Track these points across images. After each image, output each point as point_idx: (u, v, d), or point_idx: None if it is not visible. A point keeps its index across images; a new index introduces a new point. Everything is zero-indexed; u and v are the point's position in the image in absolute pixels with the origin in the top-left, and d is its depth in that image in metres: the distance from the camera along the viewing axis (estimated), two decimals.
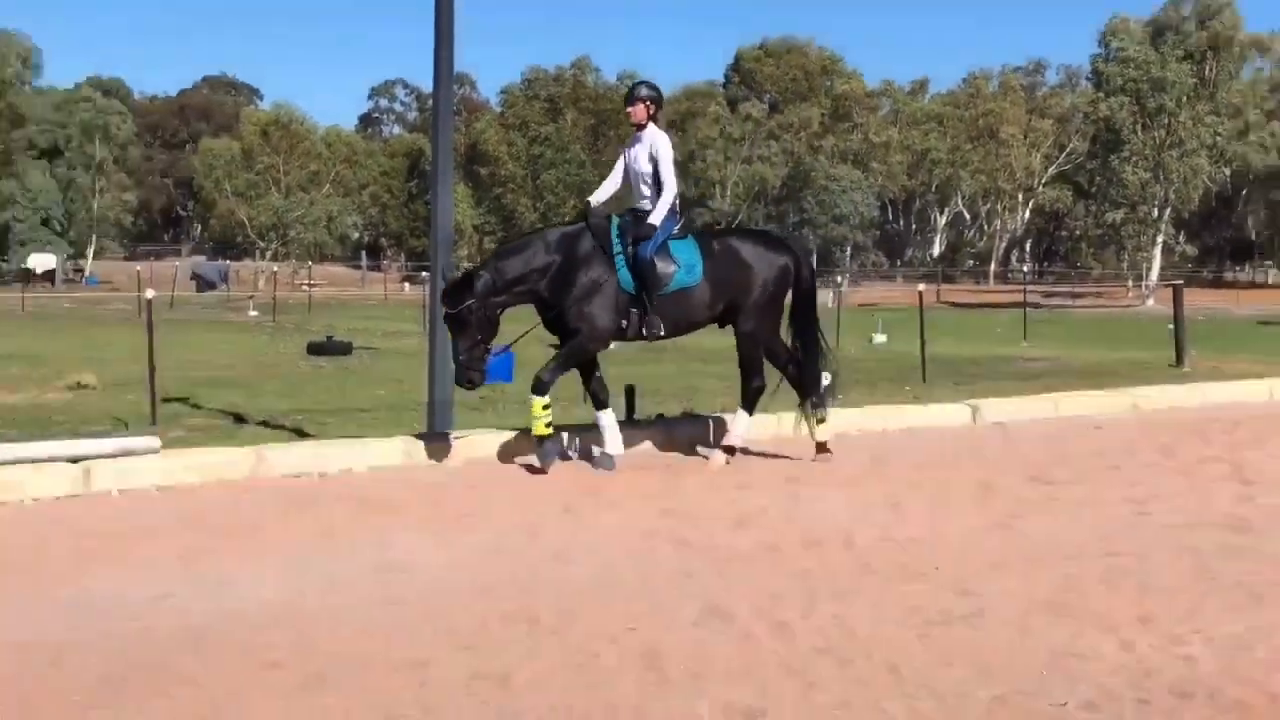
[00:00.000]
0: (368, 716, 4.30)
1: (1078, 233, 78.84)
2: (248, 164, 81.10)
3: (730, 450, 9.65)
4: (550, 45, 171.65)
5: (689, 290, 9.34)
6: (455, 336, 9.05)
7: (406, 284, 65.34)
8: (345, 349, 21.68)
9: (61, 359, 18.21)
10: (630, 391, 10.95)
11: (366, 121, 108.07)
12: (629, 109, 9.65)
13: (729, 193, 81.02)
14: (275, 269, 59.85)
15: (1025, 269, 75.01)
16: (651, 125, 9.54)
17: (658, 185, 9.39)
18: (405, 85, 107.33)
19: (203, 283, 67.51)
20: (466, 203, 77.64)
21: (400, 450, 9.70)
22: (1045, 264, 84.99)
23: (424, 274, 43.86)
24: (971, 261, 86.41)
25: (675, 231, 9.45)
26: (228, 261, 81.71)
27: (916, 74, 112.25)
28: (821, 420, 9.76)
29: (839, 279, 54.71)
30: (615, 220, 9.43)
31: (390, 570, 6.52)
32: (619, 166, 9.79)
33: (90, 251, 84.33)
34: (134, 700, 4.43)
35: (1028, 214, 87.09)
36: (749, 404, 9.78)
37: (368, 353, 22.11)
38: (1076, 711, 4.37)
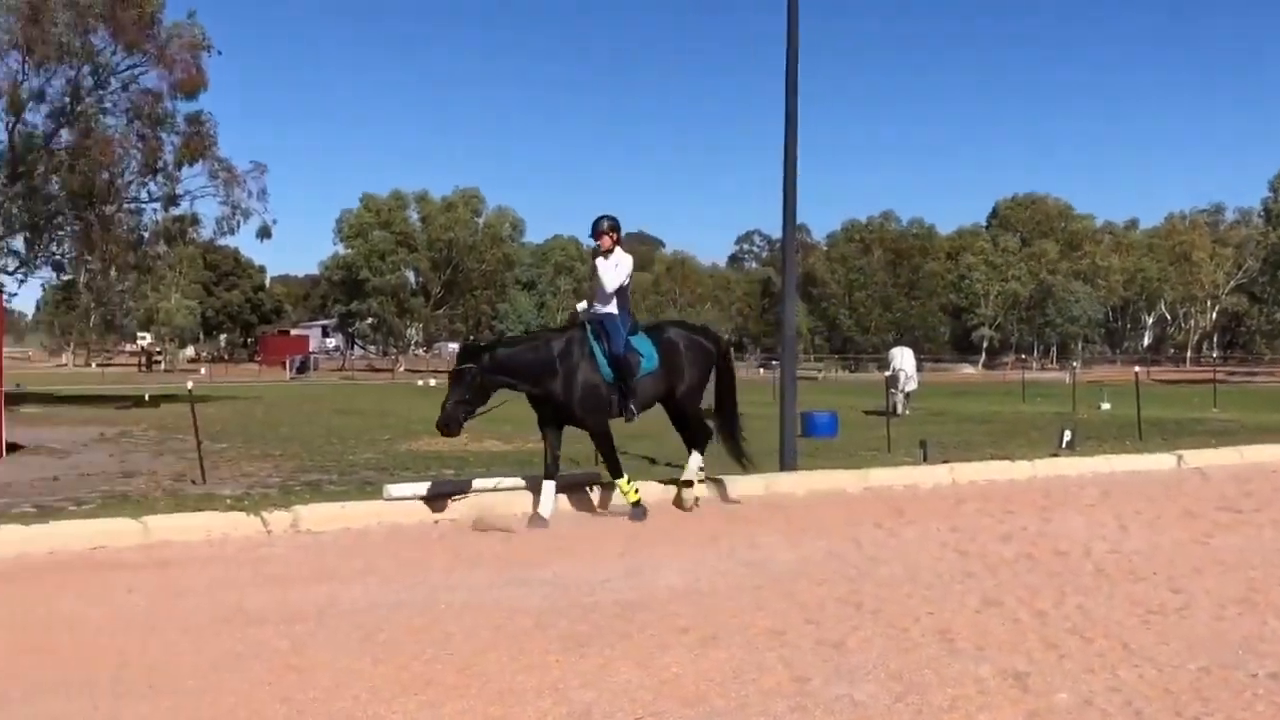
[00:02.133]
0: (748, 665, 6.07)
1: (1253, 328, 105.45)
2: (656, 290, 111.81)
3: (689, 484, 11.75)
4: (863, 200, 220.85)
5: (650, 374, 11.38)
6: (450, 387, 10.77)
7: (761, 369, 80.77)
8: None
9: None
10: (923, 443, 15.96)
11: (733, 260, 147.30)
12: (598, 240, 11.39)
13: (991, 303, 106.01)
14: None
15: (1214, 355, 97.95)
16: (618, 248, 11.42)
17: (619, 294, 11.30)
18: (759, 234, 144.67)
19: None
20: (802, 314, 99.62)
21: (761, 483, 12.97)
22: (1229, 352, 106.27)
23: (773, 362, 57.36)
24: (1172, 350, 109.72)
25: (629, 328, 11.36)
26: None
27: (1129, 214, 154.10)
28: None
29: (1074, 363, 74.64)
30: (588, 327, 11.24)
31: (755, 564, 8.84)
32: (597, 280, 11.41)
33: None
34: (593, 652, 6.48)
35: (1214, 315, 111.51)
36: (700, 446, 11.82)
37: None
38: (1265, 680, 5.67)
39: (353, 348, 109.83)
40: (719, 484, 12.44)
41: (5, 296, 20.63)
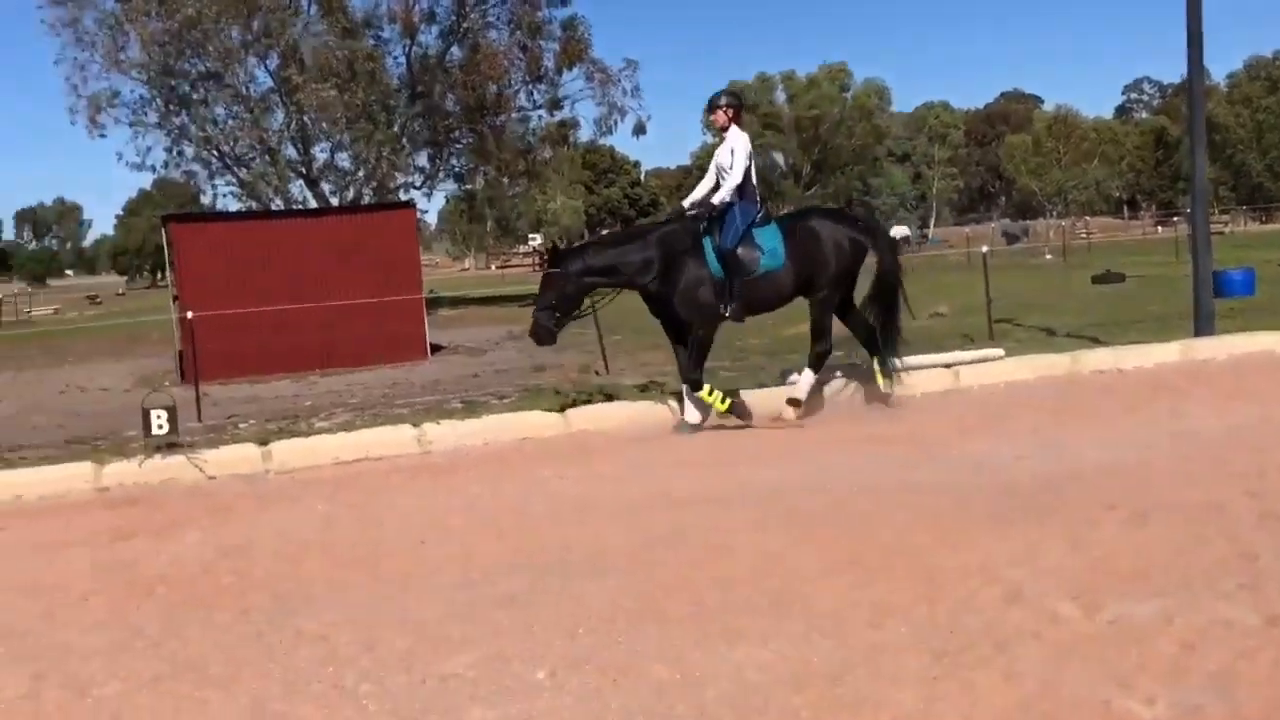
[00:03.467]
0: (1187, 541, 5.76)
1: None
2: (1037, 151, 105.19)
3: (796, 403, 10.28)
4: (1270, 34, 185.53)
5: (774, 272, 10.12)
6: (541, 292, 10.14)
7: (1159, 227, 77.00)
8: (1120, 278, 26.22)
9: (922, 296, 22.10)
10: None
11: (1120, 111, 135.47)
12: (710, 116, 10.41)
13: None
14: (1061, 224, 77.55)
15: None
16: (733, 127, 10.23)
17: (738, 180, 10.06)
18: (1149, 80, 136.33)
19: (1009, 238, 79.61)
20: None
21: (1177, 350, 12.23)
22: None
23: (1175, 219, 55.73)
24: None
25: (758, 219, 10.18)
26: (1026, 221, 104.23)
27: None
28: (887, 377, 10.55)
29: None
30: (701, 220, 10.18)
31: (1182, 435, 8.35)
32: (710, 167, 10.45)
33: (931, 222, 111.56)
34: (1018, 531, 6.36)
35: None
36: (814, 365, 10.42)
37: (1136, 280, 25.63)
38: None
39: None
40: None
41: (417, 212, 22.25)
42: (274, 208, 32.86)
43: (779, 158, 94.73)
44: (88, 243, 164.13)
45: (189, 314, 14.41)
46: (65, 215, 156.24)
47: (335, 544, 7.05)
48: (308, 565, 6.60)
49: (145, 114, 34.43)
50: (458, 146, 37.38)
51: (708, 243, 10.01)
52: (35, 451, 10.69)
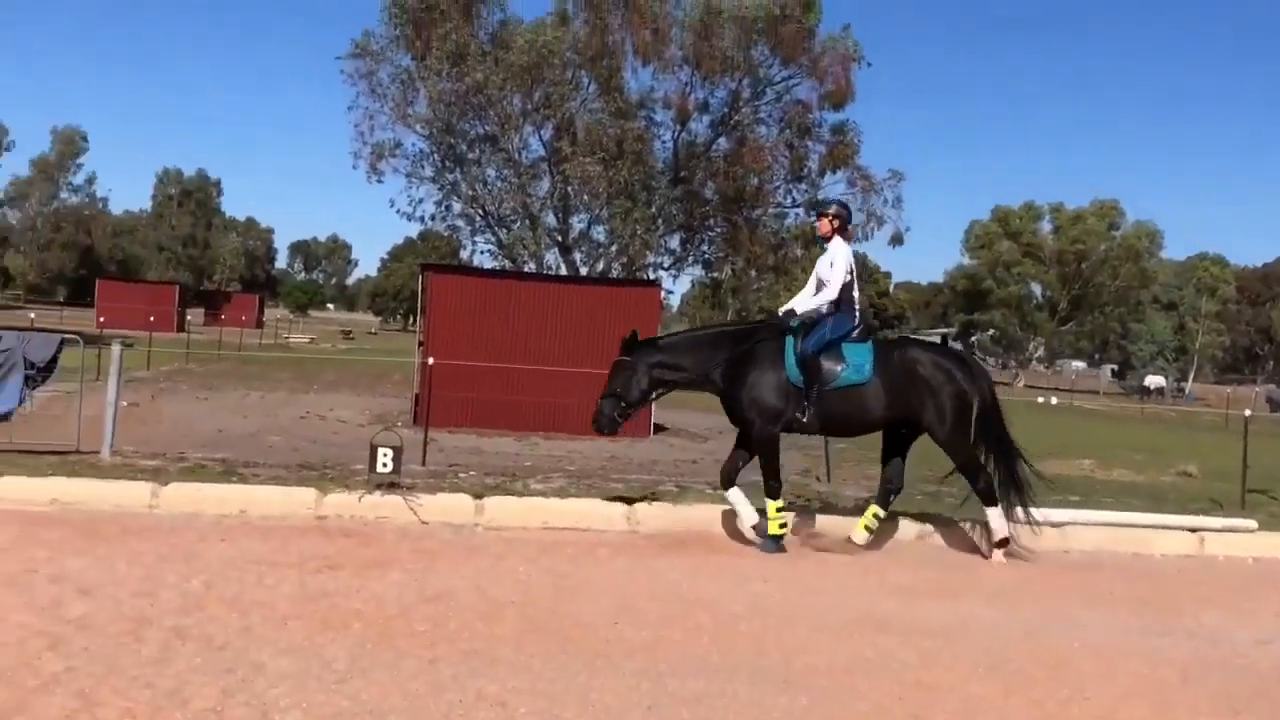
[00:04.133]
0: None
1: None
2: None
3: (1003, 543, 9.77)
4: None
5: (856, 388, 9.54)
6: (609, 380, 9.78)
7: None
8: None
9: (1170, 452, 20.89)
10: None
11: None
12: (817, 222, 10.21)
13: None
14: None
15: None
16: (837, 237, 9.91)
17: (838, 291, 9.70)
18: None
19: (1274, 405, 72.54)
20: None
21: None
22: None
23: None
24: None
25: (855, 335, 9.76)
26: None
27: None
28: (870, 530, 9.73)
29: None
30: (793, 324, 9.75)
31: None
32: (813, 275, 10.15)
33: (1190, 376, 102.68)
34: (1242, 718, 5.84)
35: None
36: (989, 499, 9.76)
37: None
38: None
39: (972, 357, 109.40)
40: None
41: (662, 292, 22.49)
42: (526, 270, 33.87)
43: (1036, 289, 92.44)
44: (351, 280, 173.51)
45: (430, 360, 14.86)
46: (335, 252, 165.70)
47: (531, 608, 7.00)
48: (501, 626, 6.55)
49: (422, 167, 36.08)
50: (711, 233, 37.72)
51: (789, 345, 9.67)
52: (267, 471, 11.13)
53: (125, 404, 11.90)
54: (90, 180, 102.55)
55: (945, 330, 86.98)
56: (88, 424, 11.73)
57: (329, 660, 5.66)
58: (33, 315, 40.27)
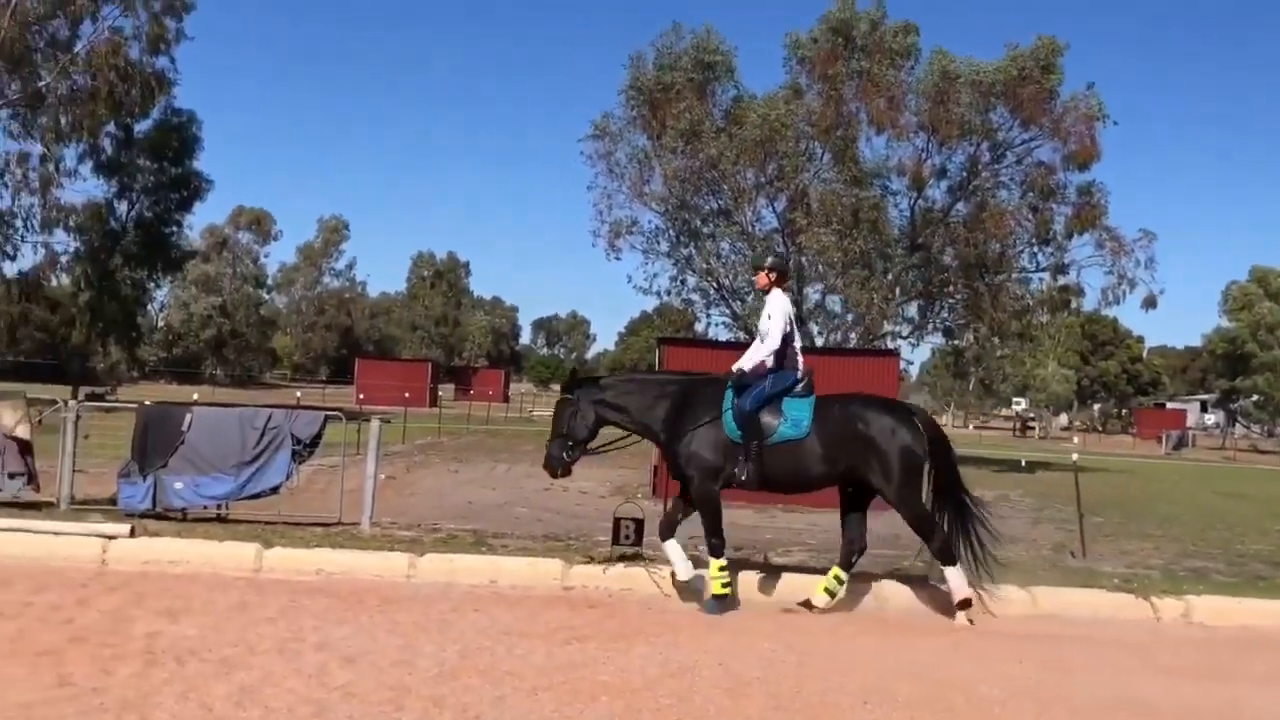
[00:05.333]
0: None
1: None
2: None
3: (965, 604, 9.35)
4: None
5: (795, 444, 9.29)
6: (554, 419, 9.79)
7: None
8: None
9: None
10: None
11: None
12: (754, 277, 10.14)
13: None
14: None
15: None
16: (775, 290, 9.74)
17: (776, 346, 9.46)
18: None
19: None
20: None
21: None
22: None
23: None
24: None
25: (799, 390, 9.52)
26: None
27: None
28: (831, 594, 9.42)
29: None
30: (730, 379, 9.50)
31: None
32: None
33: None
34: None
35: None
36: (945, 558, 9.37)
37: None
38: None
39: (1234, 426, 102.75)
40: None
41: (901, 361, 22.13)
42: None
43: None
44: (590, 354, 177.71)
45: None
46: (575, 327, 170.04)
47: (776, 685, 6.92)
48: (746, 703, 6.50)
49: (658, 243, 36.87)
50: (950, 300, 37.04)
51: (729, 401, 9.44)
52: (515, 542, 11.44)
53: (383, 477, 12.47)
54: (350, 265, 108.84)
55: (1204, 397, 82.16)
56: (348, 497, 12.34)
57: None
58: (299, 394, 42.77)
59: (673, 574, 9.62)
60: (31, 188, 40.68)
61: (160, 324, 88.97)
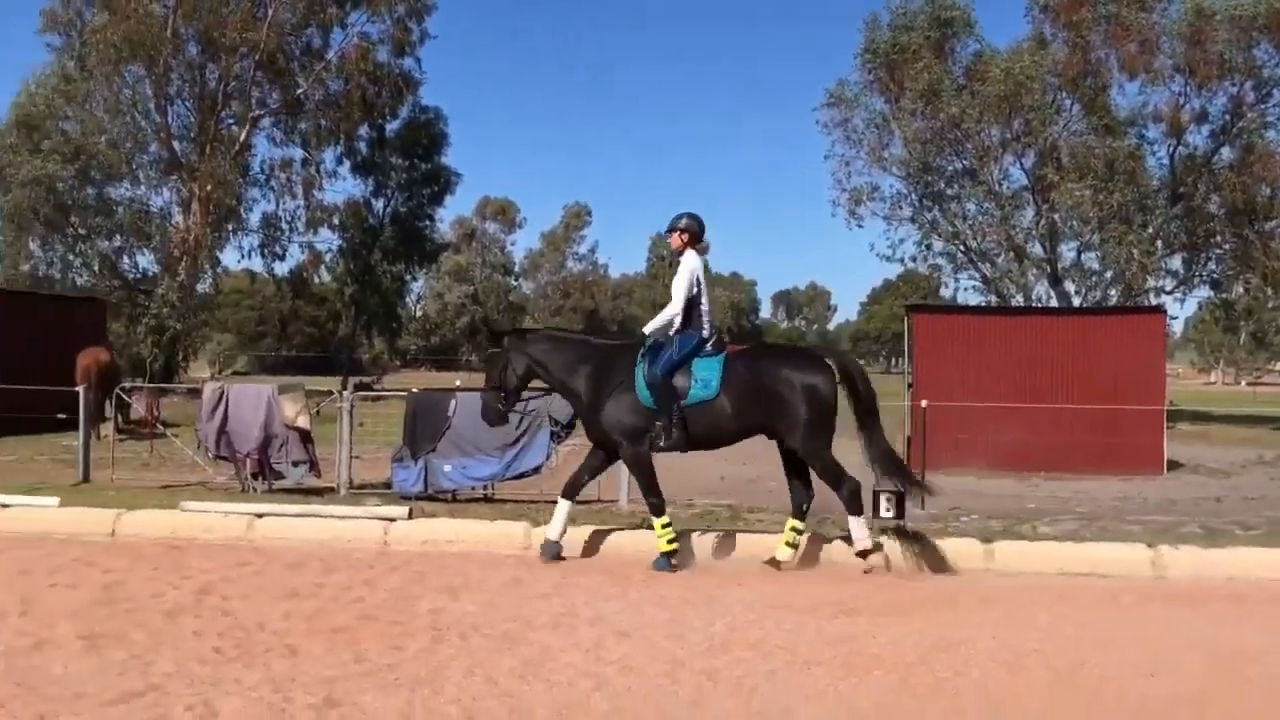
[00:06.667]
0: None
1: None
2: None
3: (865, 554, 9.43)
4: None
5: (706, 404, 9.43)
6: (485, 372, 10.29)
7: None
8: None
9: None
10: None
11: None
12: (667, 238, 10.10)
13: None
14: None
15: None
16: (688, 251, 9.79)
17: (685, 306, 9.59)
18: None
19: None
20: None
21: None
22: None
23: None
24: None
25: (708, 350, 9.61)
26: None
27: None
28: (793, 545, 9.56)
29: None
30: (647, 342, 9.67)
31: None
32: None
33: None
34: None
35: None
36: (853, 508, 9.41)
37: None
38: None
39: None
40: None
41: (1166, 318, 21.03)
42: (1013, 304, 32.90)
43: None
44: (831, 326, 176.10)
45: (923, 402, 14.69)
46: (815, 299, 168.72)
47: (1055, 658, 6.71)
48: (1025, 676, 6.34)
49: (900, 208, 36.20)
50: (1217, 251, 34.96)
51: (640, 370, 9.57)
52: (770, 516, 11.45)
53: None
54: (593, 249, 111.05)
55: None
56: (605, 476, 12.61)
57: (855, 706, 5.71)
58: None
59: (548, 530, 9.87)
60: (294, 191, 43.25)
61: (417, 314, 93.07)
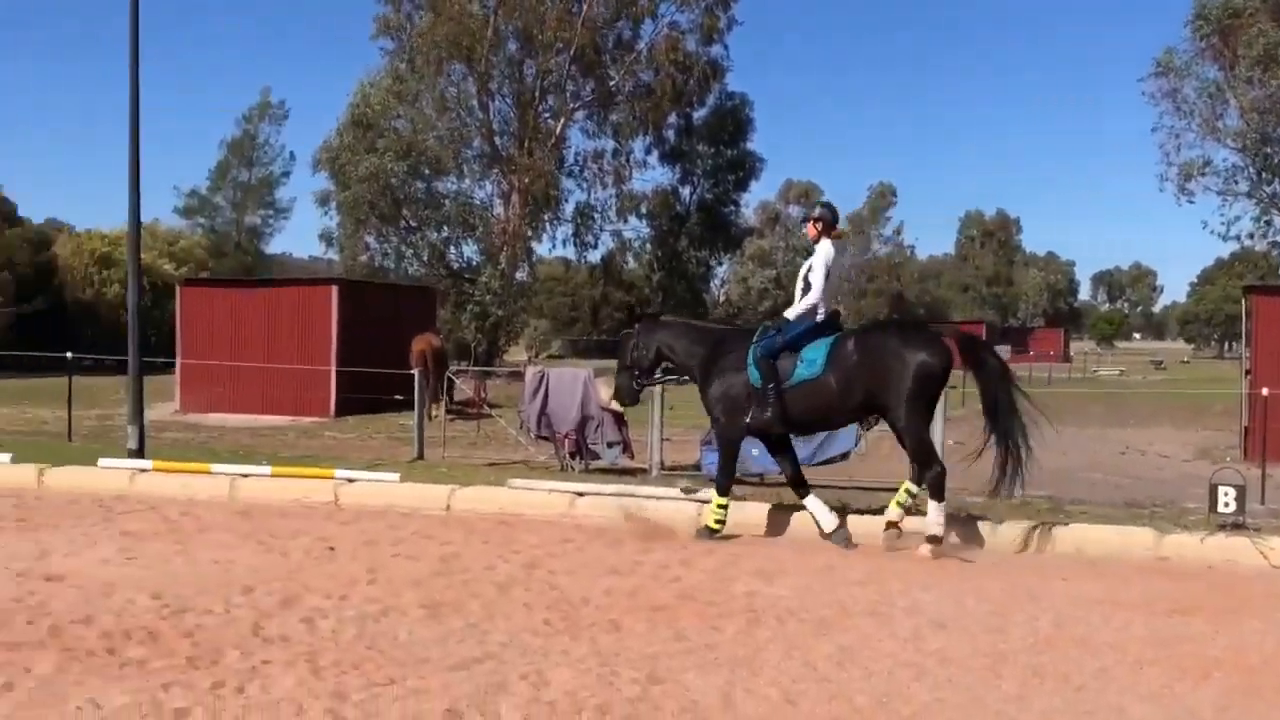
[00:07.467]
0: None
1: None
2: None
3: (936, 540, 9.20)
4: None
5: (811, 382, 9.51)
6: (619, 353, 10.76)
7: None
8: None
9: None
10: None
11: None
12: (803, 228, 10.22)
13: None
14: None
15: None
16: (823, 240, 9.90)
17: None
18: None
19: None
20: None
21: None
22: None
23: None
24: None
25: (821, 332, 9.71)
26: None
27: None
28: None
29: None
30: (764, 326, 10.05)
31: None
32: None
33: None
34: None
35: None
36: (936, 493, 9.21)
37: None
38: None
39: None
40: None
41: None
42: None
43: None
44: (1157, 308, 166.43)
45: (1263, 390, 13.67)
46: (1138, 279, 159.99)
47: None
48: None
49: (1236, 182, 33.86)
50: None
51: (752, 351, 9.79)
52: (1094, 508, 10.98)
53: (950, 442, 12.36)
54: (898, 230, 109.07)
55: None
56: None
57: (1193, 709, 5.42)
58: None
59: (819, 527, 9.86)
60: (605, 181, 44.59)
61: (721, 299, 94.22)
